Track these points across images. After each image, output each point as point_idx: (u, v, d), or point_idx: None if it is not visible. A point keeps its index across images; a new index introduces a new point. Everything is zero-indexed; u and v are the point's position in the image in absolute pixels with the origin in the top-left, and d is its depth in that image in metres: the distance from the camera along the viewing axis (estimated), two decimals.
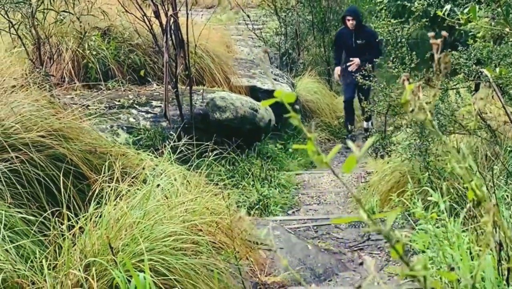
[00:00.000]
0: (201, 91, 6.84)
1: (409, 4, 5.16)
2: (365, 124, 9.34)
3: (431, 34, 1.12)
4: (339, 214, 5.84)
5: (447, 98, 5.04)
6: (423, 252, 3.65)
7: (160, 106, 6.43)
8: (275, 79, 9.32)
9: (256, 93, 8.28)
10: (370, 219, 0.78)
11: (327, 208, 6.19)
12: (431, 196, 3.72)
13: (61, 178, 3.42)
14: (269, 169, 6.95)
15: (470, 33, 4.83)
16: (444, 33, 1.14)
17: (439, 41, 0.93)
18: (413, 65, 5.12)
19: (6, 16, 4.94)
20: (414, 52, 5.18)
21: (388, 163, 5.55)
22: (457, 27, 5.07)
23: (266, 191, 6.27)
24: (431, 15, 5.13)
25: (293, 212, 6.14)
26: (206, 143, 5.37)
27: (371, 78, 5.99)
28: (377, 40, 7.40)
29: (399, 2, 8.50)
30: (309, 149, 0.74)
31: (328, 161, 0.75)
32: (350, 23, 9.02)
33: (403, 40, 5.14)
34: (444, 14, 3.72)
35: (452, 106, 4.96)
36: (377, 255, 4.65)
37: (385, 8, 5.38)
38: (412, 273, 0.81)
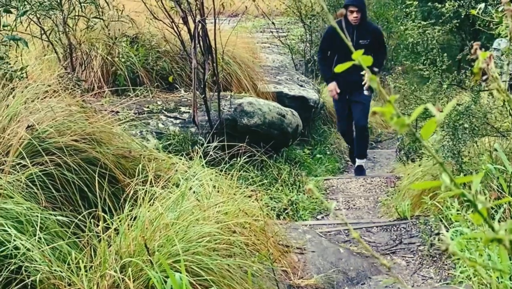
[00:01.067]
0: (229, 97, 6.85)
1: (439, 5, 5.11)
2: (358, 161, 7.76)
3: (476, 43, 1.10)
4: (370, 219, 5.80)
5: (480, 100, 4.98)
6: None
7: (188, 112, 6.45)
8: (300, 85, 9.30)
9: (283, 99, 8.28)
10: (453, 182, 0.77)
11: (356, 213, 6.15)
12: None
13: (96, 179, 3.43)
14: (297, 174, 6.93)
15: (499, 36, 4.77)
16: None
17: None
18: (444, 67, 5.08)
19: (38, 23, 5.00)
20: (445, 54, 5.14)
21: (419, 166, 5.49)
22: (484, 30, 5.04)
23: (295, 196, 6.25)
24: (462, 17, 5.10)
25: (323, 217, 6.10)
26: (235, 148, 5.37)
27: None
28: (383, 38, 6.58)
29: (427, 6, 8.42)
30: (387, 112, 0.72)
31: (410, 124, 0.74)
32: (354, 16, 6.95)
33: (434, 42, 5.11)
34: (478, 12, 3.68)
35: (484, 108, 4.90)
36: (410, 258, 4.60)
37: (415, 10, 5.35)
38: (498, 237, 0.79)
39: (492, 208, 4.00)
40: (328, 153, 8.71)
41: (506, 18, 3.77)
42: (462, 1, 4.87)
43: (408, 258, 4.62)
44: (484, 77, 0.94)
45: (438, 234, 4.51)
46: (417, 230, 5.03)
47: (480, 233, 4.04)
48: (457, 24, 5.90)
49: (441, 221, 4.63)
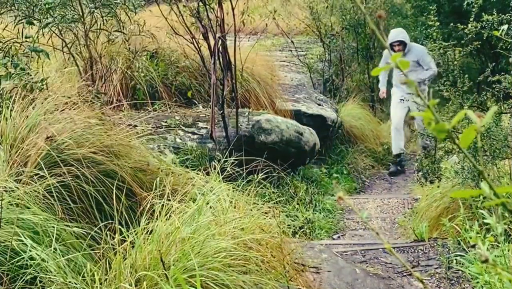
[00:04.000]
0: (247, 113, 6.85)
1: (460, 27, 5.08)
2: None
3: None
4: (386, 240, 5.73)
5: (500, 122, 4.93)
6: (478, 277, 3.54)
7: (206, 127, 6.45)
8: (319, 104, 9.28)
9: (300, 117, 8.26)
10: (493, 191, 0.74)
11: (373, 233, 6.09)
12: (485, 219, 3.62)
13: (114, 191, 3.42)
14: (314, 193, 6.89)
15: None
16: None
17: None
18: (465, 88, 5.04)
19: (60, 36, 5.04)
20: (466, 76, 5.10)
21: (438, 187, 5.43)
22: (504, 54, 4.99)
23: (311, 214, 6.21)
24: (483, 38, 5.07)
25: (339, 237, 6.05)
26: (252, 164, 5.35)
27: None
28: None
29: (448, 28, 8.39)
30: (427, 116, 0.70)
31: (450, 129, 0.71)
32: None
33: (455, 63, 5.07)
34: (500, 34, 3.65)
35: (505, 131, 4.84)
36: (427, 281, 4.53)
37: (436, 31, 5.32)
38: None
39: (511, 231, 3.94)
40: (345, 172, 8.66)
41: None
42: (484, 23, 4.84)
43: (426, 280, 4.55)
44: None
45: (456, 256, 4.44)
46: (434, 252, 4.97)
47: None
48: (478, 47, 5.86)
49: (459, 243, 4.57)
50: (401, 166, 9.18)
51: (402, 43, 8.49)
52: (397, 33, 8.66)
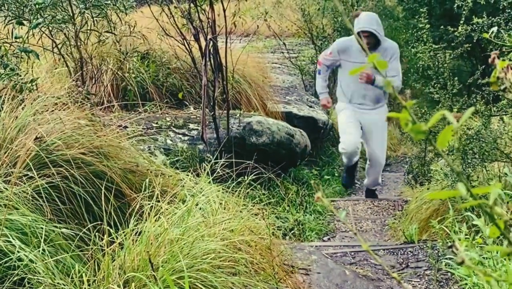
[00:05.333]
0: (238, 115, 6.85)
1: (451, 29, 5.10)
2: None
3: (494, 52, 1.08)
4: (376, 242, 5.75)
5: (490, 125, 4.95)
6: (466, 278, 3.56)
7: (197, 129, 6.45)
8: (310, 106, 9.30)
9: (292, 119, 8.28)
10: (469, 192, 0.74)
11: (363, 236, 6.10)
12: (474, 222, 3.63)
13: (103, 192, 3.42)
14: (304, 195, 6.90)
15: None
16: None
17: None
18: (454, 90, 5.06)
19: (50, 36, 5.02)
20: (456, 78, 5.13)
21: (427, 189, 5.45)
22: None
23: (301, 216, 6.21)
24: (474, 41, 5.09)
25: (329, 238, 6.06)
26: (243, 166, 5.35)
27: None
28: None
29: (439, 31, 8.42)
30: (403, 117, 0.70)
31: (427, 130, 0.72)
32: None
33: (445, 65, 5.09)
34: (490, 37, 3.66)
35: (494, 134, 4.86)
36: (416, 282, 4.55)
37: (426, 34, 5.34)
38: None
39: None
40: (336, 174, 8.68)
41: None
42: (475, 25, 4.86)
43: (415, 282, 4.56)
44: (502, 87, 0.92)
45: (446, 258, 4.45)
46: (424, 254, 4.98)
47: (498, 246, 3.98)
48: (468, 49, 5.88)
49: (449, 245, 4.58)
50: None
51: (373, 36, 6.30)
52: (370, 21, 6.31)
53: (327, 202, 0.95)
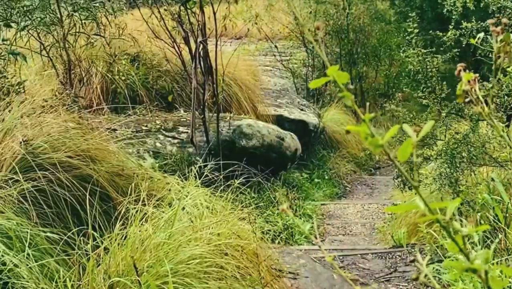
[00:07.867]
0: (228, 118, 6.84)
1: (440, 34, 5.10)
2: None
3: (460, 65, 1.08)
4: (365, 246, 5.74)
5: (478, 129, 4.95)
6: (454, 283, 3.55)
7: (186, 132, 6.43)
8: (301, 109, 9.29)
9: (282, 122, 8.27)
10: (427, 207, 0.74)
11: (353, 239, 6.10)
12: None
13: (87, 197, 3.39)
14: (294, 198, 6.89)
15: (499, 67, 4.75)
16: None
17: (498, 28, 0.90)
18: (443, 95, 5.06)
19: (38, 38, 5.00)
20: (444, 83, 5.13)
21: (416, 194, 5.44)
22: (485, 61, 5.02)
23: (290, 220, 6.19)
24: (463, 46, 5.10)
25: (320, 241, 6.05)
26: (232, 169, 5.33)
27: None
28: None
29: (430, 35, 8.42)
30: (362, 131, 0.69)
31: (384, 144, 0.71)
32: None
33: (434, 70, 5.09)
34: (477, 42, 3.67)
35: (483, 138, 4.87)
36: (404, 287, 4.54)
37: (416, 38, 5.34)
38: (473, 267, 0.75)
39: (488, 238, 3.95)
40: (326, 177, 8.67)
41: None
42: (463, 30, 4.87)
43: (403, 286, 4.56)
44: (467, 100, 0.92)
45: (434, 262, 4.45)
46: (412, 258, 4.98)
47: (454, 262, 3.99)
48: (458, 53, 5.89)
49: (437, 249, 4.58)
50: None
51: None
52: None
53: (291, 214, 0.94)
